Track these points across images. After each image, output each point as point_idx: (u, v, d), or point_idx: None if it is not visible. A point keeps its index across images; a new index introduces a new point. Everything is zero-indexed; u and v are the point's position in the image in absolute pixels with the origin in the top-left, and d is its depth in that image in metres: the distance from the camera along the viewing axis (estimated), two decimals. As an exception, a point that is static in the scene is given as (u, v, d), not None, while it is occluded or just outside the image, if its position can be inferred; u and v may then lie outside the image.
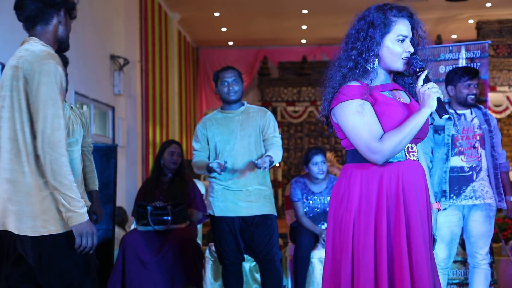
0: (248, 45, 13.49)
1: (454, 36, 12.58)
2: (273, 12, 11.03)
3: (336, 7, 10.34)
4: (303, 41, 13.33)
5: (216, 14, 11.14)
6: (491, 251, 4.49)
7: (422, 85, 2.34)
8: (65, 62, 3.61)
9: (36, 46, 2.49)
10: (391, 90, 2.46)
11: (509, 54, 11.64)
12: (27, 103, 2.42)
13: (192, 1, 10.36)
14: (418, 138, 2.42)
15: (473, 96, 4.11)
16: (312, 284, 4.81)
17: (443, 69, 4.57)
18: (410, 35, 2.42)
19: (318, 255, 4.83)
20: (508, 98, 11.96)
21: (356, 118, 2.33)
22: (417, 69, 2.39)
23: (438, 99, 2.30)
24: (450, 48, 4.69)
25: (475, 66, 4.60)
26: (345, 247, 2.35)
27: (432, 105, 2.29)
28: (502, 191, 4.10)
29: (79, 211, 2.42)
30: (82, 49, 7.01)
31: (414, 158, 2.42)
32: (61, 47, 2.65)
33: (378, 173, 2.35)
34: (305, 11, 10.99)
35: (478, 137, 4.10)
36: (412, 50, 2.40)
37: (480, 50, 4.59)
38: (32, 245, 2.45)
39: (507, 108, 11.99)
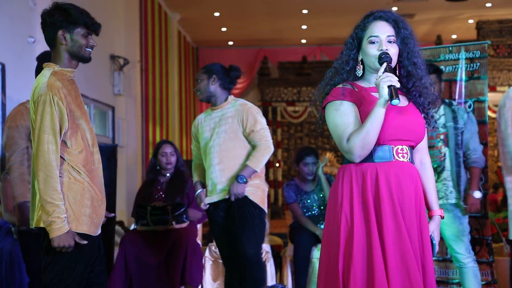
0: (248, 45, 13.47)
1: (454, 36, 12.58)
2: (273, 12, 11.02)
3: (336, 7, 10.33)
4: (303, 41, 13.33)
5: (216, 14, 11.14)
6: (490, 251, 4.49)
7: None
8: None
9: None
10: None
11: (509, 54, 11.63)
12: None
13: (192, 1, 10.35)
14: (407, 140, 2.43)
15: None
16: (313, 284, 4.82)
17: (443, 69, 4.57)
18: (386, 34, 2.44)
19: (318, 255, 4.83)
20: (508, 98, 11.94)
21: (335, 118, 2.42)
22: (380, 63, 2.40)
23: (390, 87, 2.30)
24: (450, 48, 4.69)
25: (474, 67, 4.60)
26: (333, 243, 2.39)
27: (383, 94, 2.30)
28: (463, 189, 4.07)
29: None
30: (82, 49, 6.98)
31: (405, 160, 2.42)
32: None
33: (363, 172, 2.39)
34: (305, 11, 10.99)
35: (441, 136, 4.07)
36: (384, 48, 2.41)
37: (479, 51, 4.60)
38: None
39: (507, 108, 11.97)
